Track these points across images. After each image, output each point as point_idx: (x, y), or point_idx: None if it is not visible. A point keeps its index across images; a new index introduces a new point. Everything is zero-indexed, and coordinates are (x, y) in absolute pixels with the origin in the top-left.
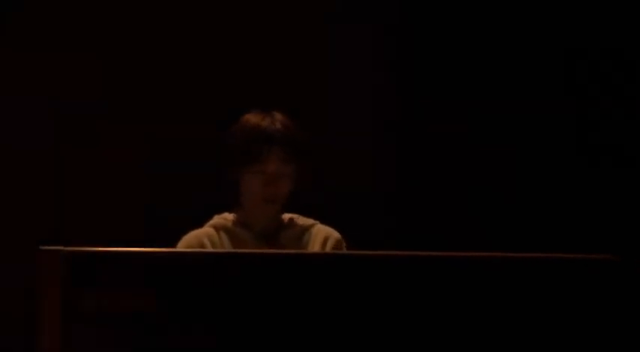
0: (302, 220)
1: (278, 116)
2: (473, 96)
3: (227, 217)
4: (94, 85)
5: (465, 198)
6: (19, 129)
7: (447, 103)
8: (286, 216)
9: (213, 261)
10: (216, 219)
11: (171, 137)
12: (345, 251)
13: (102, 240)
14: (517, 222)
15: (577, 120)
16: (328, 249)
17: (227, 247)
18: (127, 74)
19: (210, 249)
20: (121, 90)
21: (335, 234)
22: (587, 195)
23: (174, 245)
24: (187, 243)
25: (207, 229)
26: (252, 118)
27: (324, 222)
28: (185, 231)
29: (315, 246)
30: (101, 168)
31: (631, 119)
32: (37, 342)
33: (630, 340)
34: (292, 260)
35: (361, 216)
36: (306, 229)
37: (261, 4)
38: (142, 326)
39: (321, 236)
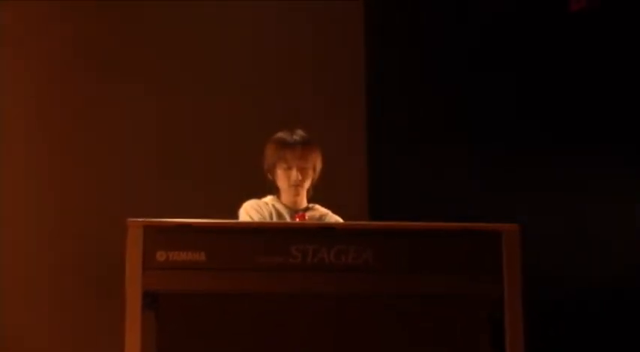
0: (320, 207)
1: (298, 131)
2: None
3: (271, 197)
4: None
5: None
6: None
7: None
8: (310, 204)
9: (242, 230)
10: (266, 198)
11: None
12: None
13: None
14: None
15: None
16: None
17: (272, 214)
18: None
19: (255, 215)
20: None
21: (342, 221)
22: None
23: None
24: (249, 205)
25: (259, 201)
26: (280, 134)
27: None
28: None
29: None
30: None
31: None
32: (126, 281)
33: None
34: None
35: None
36: (324, 214)
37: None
38: (196, 272)
39: (334, 220)
